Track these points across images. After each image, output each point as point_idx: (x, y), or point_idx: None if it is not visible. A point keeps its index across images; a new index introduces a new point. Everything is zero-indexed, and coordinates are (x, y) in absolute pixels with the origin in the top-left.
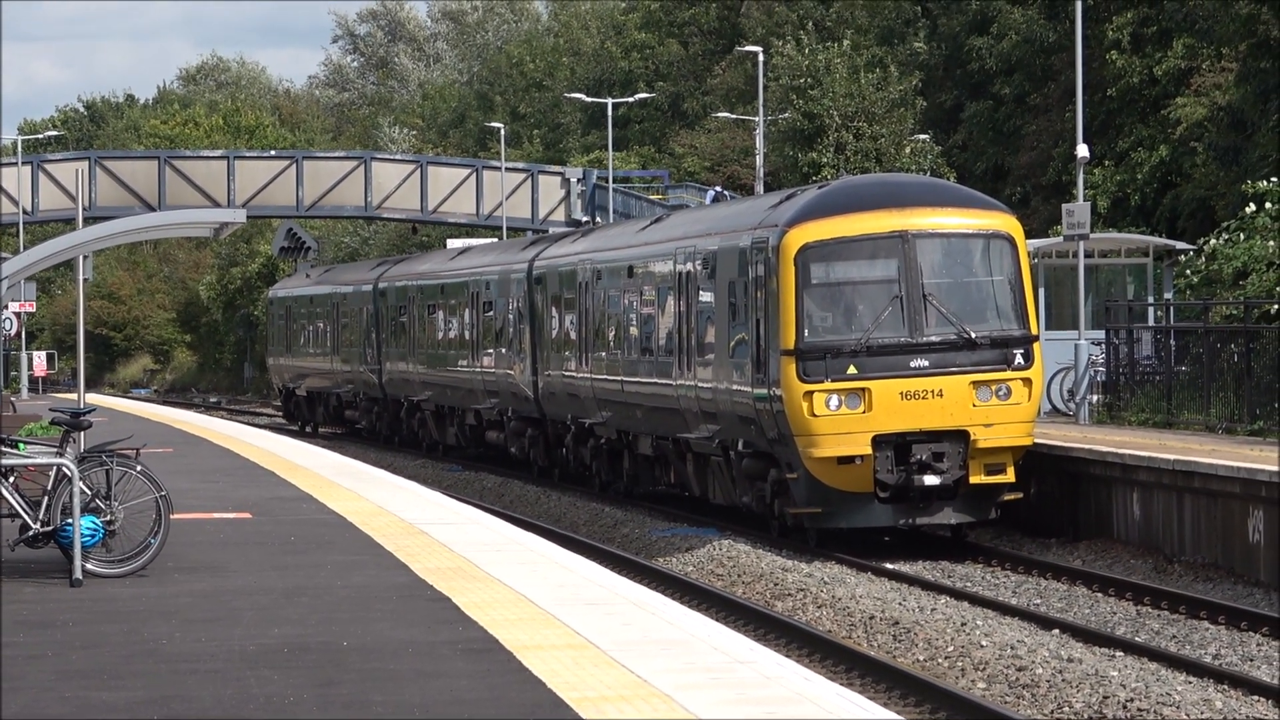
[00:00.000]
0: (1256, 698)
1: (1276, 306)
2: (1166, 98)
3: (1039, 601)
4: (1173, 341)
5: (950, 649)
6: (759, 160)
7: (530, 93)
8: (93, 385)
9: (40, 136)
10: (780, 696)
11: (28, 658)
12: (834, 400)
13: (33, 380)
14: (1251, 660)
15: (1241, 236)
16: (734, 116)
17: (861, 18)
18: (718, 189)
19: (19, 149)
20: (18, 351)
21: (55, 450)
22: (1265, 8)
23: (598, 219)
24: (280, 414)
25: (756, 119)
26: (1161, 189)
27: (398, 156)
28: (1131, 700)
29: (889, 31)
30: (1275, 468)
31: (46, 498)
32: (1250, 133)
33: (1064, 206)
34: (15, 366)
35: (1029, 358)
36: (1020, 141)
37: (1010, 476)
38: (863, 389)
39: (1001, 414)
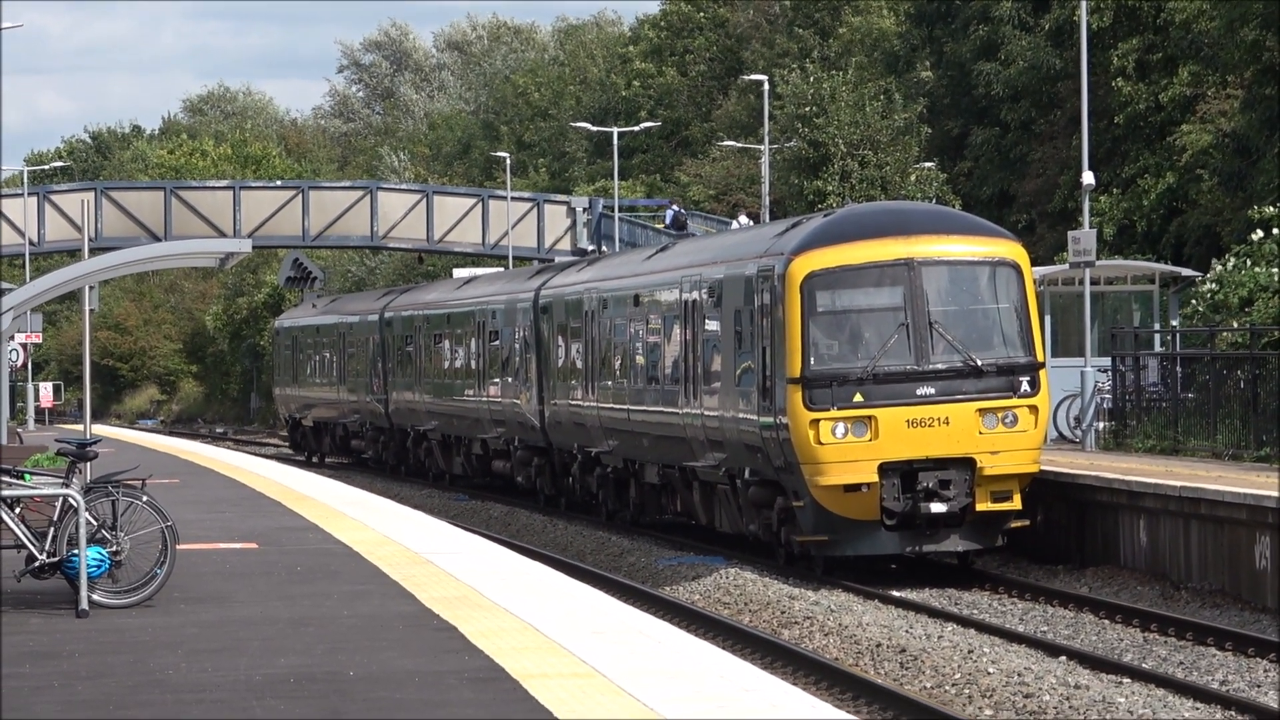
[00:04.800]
0: None
1: None
2: (1172, 124)
3: (1046, 628)
4: (1179, 368)
5: (957, 676)
6: (764, 189)
7: (536, 122)
8: (99, 416)
9: (46, 168)
10: None
11: (34, 689)
12: (840, 428)
13: (39, 411)
14: (1258, 686)
15: (1248, 263)
16: (739, 145)
17: (860, 52)
18: (676, 208)
19: (25, 180)
20: (24, 383)
21: (61, 481)
22: (1270, 34)
23: (604, 248)
24: (286, 444)
25: (761, 147)
26: (1167, 216)
27: (403, 186)
28: None
29: (894, 59)
30: None
31: (52, 528)
32: (1256, 159)
33: (1070, 234)
34: (22, 398)
35: (1035, 385)
36: (1026, 168)
37: (1017, 504)
38: (869, 417)
39: (1008, 441)
